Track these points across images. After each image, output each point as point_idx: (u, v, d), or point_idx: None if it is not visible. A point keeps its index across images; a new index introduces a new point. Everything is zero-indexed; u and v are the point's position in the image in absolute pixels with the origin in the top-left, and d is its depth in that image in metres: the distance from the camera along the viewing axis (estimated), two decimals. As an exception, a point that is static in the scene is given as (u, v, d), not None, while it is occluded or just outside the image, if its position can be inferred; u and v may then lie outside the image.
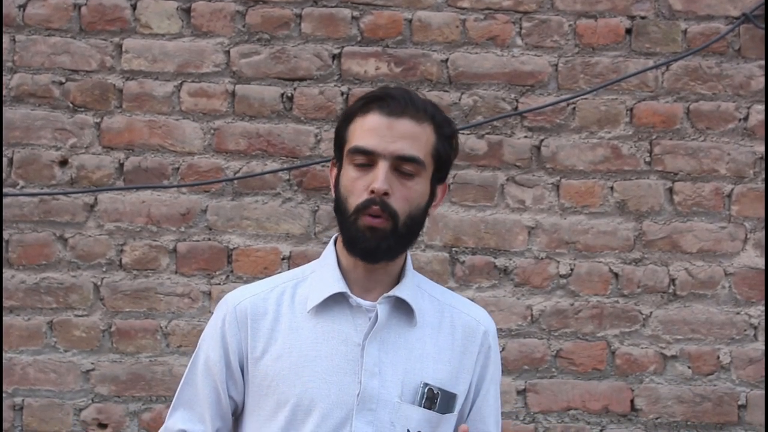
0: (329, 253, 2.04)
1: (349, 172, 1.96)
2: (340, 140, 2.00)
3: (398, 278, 2.02)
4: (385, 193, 1.92)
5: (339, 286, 1.99)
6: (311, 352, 1.97)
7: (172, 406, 2.07)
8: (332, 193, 2.02)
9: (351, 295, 1.99)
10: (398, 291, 1.99)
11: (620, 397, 3.57)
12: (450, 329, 2.03)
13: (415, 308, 2.00)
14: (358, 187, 1.94)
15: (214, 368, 2.01)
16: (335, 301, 1.99)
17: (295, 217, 3.55)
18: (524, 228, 3.60)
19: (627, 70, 3.63)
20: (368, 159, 1.94)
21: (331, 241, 2.05)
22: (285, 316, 2.00)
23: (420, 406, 1.96)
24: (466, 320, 2.05)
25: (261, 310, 2.01)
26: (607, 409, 3.56)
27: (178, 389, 2.07)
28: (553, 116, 3.62)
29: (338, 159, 2.01)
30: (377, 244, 1.94)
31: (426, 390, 1.96)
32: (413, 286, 2.02)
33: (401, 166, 1.95)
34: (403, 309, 2.00)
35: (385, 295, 1.99)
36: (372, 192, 1.92)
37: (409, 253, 2.06)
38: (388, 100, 1.96)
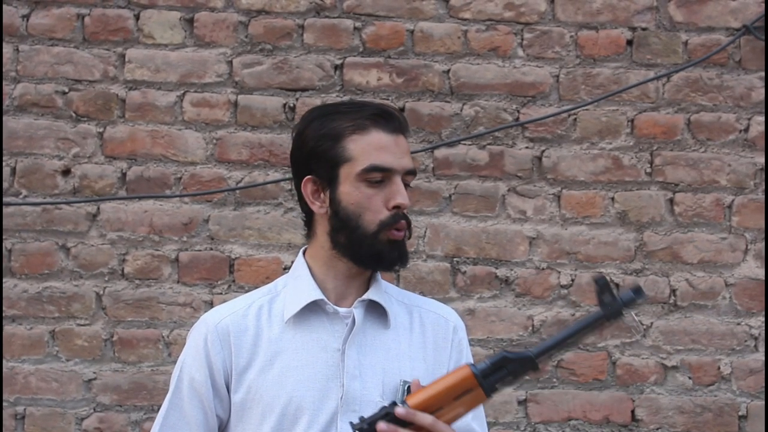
0: (300, 265, 2.10)
1: (361, 190, 2.01)
2: (331, 159, 2.02)
3: (367, 284, 2.09)
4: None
5: (315, 294, 2.05)
6: (293, 362, 2.02)
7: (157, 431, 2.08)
8: (314, 209, 2.04)
9: (327, 302, 2.05)
10: (372, 295, 2.07)
11: (621, 407, 3.57)
12: (420, 328, 2.11)
13: (388, 310, 2.07)
14: (375, 203, 2.01)
15: (201, 389, 2.04)
16: (311, 310, 2.05)
17: (297, 227, 3.55)
18: (525, 238, 3.61)
19: (628, 81, 3.64)
20: (383, 176, 2.01)
21: (300, 254, 2.12)
22: (265, 330, 2.05)
23: (401, 403, 1.98)
24: (434, 318, 2.14)
25: (242, 327, 2.05)
26: (608, 419, 3.57)
27: (163, 414, 2.07)
28: (554, 127, 3.63)
29: (327, 177, 2.03)
30: (400, 254, 2.03)
31: (406, 387, 2.00)
32: (382, 291, 2.10)
33: (406, 179, 2.05)
34: (376, 312, 2.08)
35: (360, 299, 2.06)
36: (396, 207, 2.01)
37: None
38: (386, 117, 2.04)
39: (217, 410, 2.04)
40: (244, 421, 2.02)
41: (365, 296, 2.06)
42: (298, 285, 2.07)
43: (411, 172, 2.05)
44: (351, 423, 1.90)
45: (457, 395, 1.90)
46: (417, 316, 2.12)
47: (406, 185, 2.04)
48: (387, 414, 1.89)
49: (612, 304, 1.95)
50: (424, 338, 2.10)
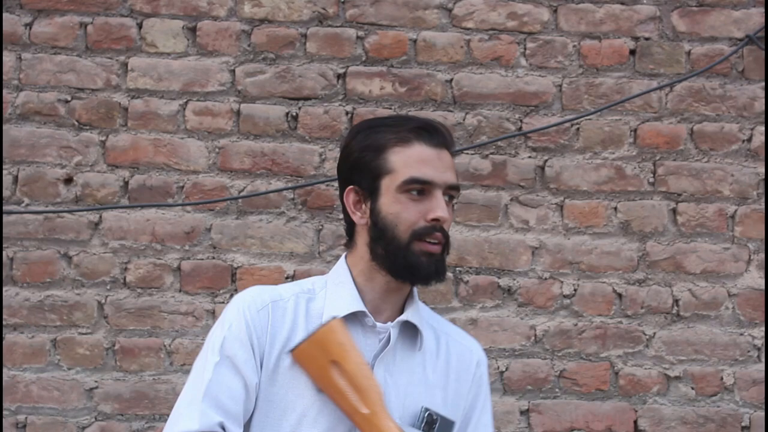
0: (343, 271, 2.07)
1: (401, 201, 2.01)
2: (373, 170, 2.03)
3: (404, 301, 2.08)
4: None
5: (357, 305, 2.03)
6: None
7: (195, 405, 1.98)
8: (355, 219, 2.05)
9: (368, 314, 2.03)
10: (409, 316, 2.05)
11: (624, 417, 3.57)
12: (446, 356, 2.10)
13: (423, 334, 2.06)
14: (412, 214, 2.00)
15: (244, 367, 1.99)
16: (348, 319, 2.03)
17: (300, 236, 3.55)
18: (528, 248, 3.60)
19: (631, 90, 3.64)
20: (423, 188, 2.01)
21: (342, 259, 2.09)
22: (300, 327, 2.03)
23: (419, 429, 1.99)
24: (461, 349, 2.13)
25: (279, 315, 2.02)
26: (610, 429, 3.56)
27: (205, 383, 1.98)
28: (557, 136, 3.63)
29: (368, 188, 2.03)
30: (436, 268, 2.01)
31: (426, 414, 2.00)
32: (418, 313, 2.08)
33: (448, 193, 2.04)
34: (408, 333, 2.06)
35: (399, 319, 2.04)
36: (434, 220, 2.00)
37: None
38: (429, 130, 2.04)
39: (256, 389, 2.00)
40: (266, 411, 2.00)
41: (404, 317, 2.05)
42: (340, 291, 2.05)
43: (454, 188, 2.03)
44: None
45: None
46: (444, 343, 2.12)
47: (449, 201, 2.04)
48: None
49: None
50: (448, 367, 2.09)
